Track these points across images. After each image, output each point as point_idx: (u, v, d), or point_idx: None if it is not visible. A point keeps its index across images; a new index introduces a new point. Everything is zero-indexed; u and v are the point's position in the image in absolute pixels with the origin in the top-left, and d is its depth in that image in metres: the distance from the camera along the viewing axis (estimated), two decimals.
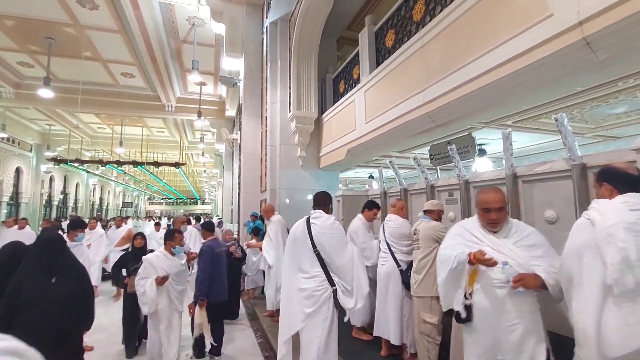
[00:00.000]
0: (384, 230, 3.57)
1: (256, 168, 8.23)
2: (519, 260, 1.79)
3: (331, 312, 2.63)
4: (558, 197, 2.72)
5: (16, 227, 6.99)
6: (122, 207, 34.29)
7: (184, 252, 3.75)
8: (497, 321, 1.80)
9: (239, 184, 9.03)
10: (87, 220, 6.77)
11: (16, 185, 16.23)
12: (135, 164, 17.46)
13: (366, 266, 3.05)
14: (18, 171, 16.26)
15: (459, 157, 3.62)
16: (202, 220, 7.81)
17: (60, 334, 2.22)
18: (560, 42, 2.37)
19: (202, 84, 12.09)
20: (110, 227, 9.52)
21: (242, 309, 5.51)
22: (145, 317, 3.39)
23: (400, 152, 6.89)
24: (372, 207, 3.98)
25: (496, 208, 1.90)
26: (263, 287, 5.61)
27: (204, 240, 3.97)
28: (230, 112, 13.57)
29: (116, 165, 18.44)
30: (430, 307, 2.93)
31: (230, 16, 8.10)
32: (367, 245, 3.80)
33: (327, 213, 2.85)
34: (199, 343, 3.62)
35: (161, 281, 3.13)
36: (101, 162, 17.17)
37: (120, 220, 8.20)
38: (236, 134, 11.55)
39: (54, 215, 19.19)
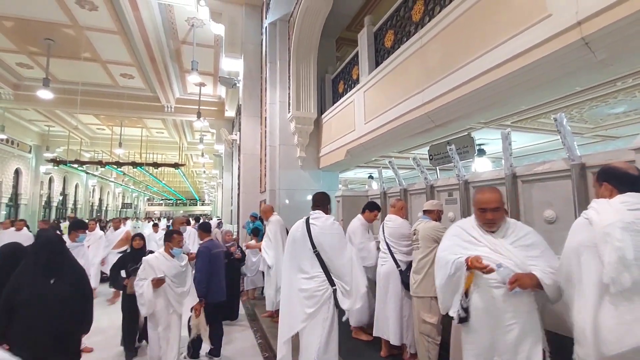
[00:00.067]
0: (383, 231, 3.57)
1: (256, 169, 8.23)
2: (516, 260, 1.79)
3: (331, 312, 2.64)
4: (557, 197, 2.72)
5: (13, 228, 6.94)
6: (121, 208, 34.26)
7: (185, 253, 3.73)
8: (494, 321, 1.80)
9: (239, 184, 9.03)
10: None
11: (15, 186, 16.21)
12: (134, 165, 17.44)
13: (364, 267, 3.05)
14: (17, 172, 16.24)
15: (458, 157, 3.63)
16: (201, 221, 7.79)
17: (58, 335, 2.21)
18: (559, 42, 2.37)
19: (201, 84, 12.09)
20: (108, 228, 9.42)
21: (241, 310, 5.50)
22: (146, 318, 3.37)
23: (400, 152, 6.89)
24: (372, 209, 3.98)
25: (492, 208, 1.89)
26: (263, 287, 5.61)
27: (200, 241, 3.97)
28: (230, 112, 13.57)
29: (115, 167, 18.41)
30: (430, 307, 2.93)
31: (229, 17, 8.10)
32: (364, 246, 3.80)
33: (326, 213, 2.87)
34: (195, 344, 3.61)
35: (157, 283, 3.09)
36: (100, 163, 17.14)
37: (118, 222, 8.02)
38: (235, 134, 11.54)
39: (53, 216, 19.17)
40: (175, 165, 17.60)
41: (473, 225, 1.99)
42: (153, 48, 9.65)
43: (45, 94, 9.18)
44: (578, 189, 2.48)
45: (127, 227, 9.23)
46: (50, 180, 19.36)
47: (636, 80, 3.81)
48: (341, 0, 6.53)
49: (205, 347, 3.73)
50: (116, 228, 7.65)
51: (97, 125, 17.30)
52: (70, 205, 21.92)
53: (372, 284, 3.91)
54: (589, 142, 7.13)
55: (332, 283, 2.66)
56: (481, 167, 6.61)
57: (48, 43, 9.36)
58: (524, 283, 1.69)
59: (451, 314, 1.94)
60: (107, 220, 18.63)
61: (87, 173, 22.53)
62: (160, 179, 26.15)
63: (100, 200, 28.36)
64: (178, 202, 47.71)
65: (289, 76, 7.08)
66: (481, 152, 6.91)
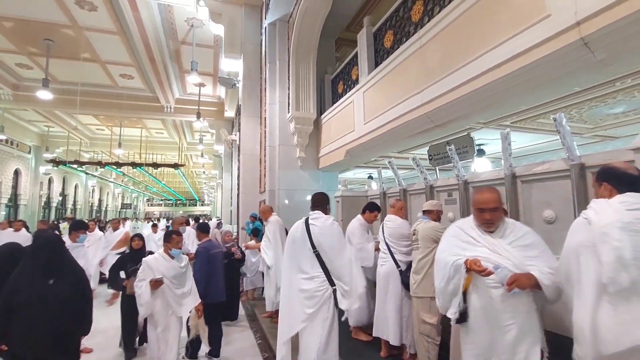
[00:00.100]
0: (383, 231, 3.57)
1: (255, 169, 8.23)
2: (514, 261, 1.79)
3: (332, 312, 2.64)
4: (557, 197, 2.72)
5: (11, 229, 6.87)
6: (121, 208, 34.25)
7: (184, 254, 3.71)
8: (493, 321, 1.80)
9: (238, 185, 9.03)
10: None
11: (15, 187, 16.20)
12: (134, 165, 17.44)
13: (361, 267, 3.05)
14: (17, 173, 16.24)
15: (457, 157, 3.63)
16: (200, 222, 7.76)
17: (57, 335, 2.20)
18: (558, 42, 2.37)
19: (201, 85, 12.09)
20: (107, 229, 9.36)
21: (241, 310, 5.50)
22: (146, 319, 3.35)
23: (399, 152, 6.90)
24: (373, 210, 3.97)
25: (490, 208, 1.89)
26: (263, 288, 5.61)
27: (199, 242, 3.96)
28: (229, 113, 13.57)
29: (115, 167, 18.40)
30: (430, 308, 2.93)
31: (228, 17, 8.10)
32: (362, 246, 3.80)
33: (325, 214, 2.87)
34: (193, 344, 3.60)
35: (155, 284, 3.05)
36: (100, 164, 17.15)
37: (117, 223, 7.91)
38: (235, 135, 11.55)
39: (52, 217, 19.15)
40: (175, 166, 17.60)
41: (472, 226, 1.99)
42: (152, 48, 9.65)
43: (44, 95, 9.18)
44: (577, 189, 2.48)
45: (126, 228, 9.21)
46: (50, 181, 19.36)
47: (635, 81, 3.82)
48: (340, 1, 6.53)
49: (204, 347, 3.72)
50: (115, 229, 7.54)
51: (97, 126, 17.30)
52: (69, 205, 21.91)
53: (371, 285, 3.92)
54: (588, 142, 7.14)
55: (332, 283, 2.66)
56: (481, 167, 6.61)
57: (47, 43, 9.36)
58: (522, 283, 1.69)
59: (449, 315, 1.94)
60: (107, 220, 18.60)
61: (86, 173, 22.51)
62: (159, 179, 26.13)
63: (100, 200, 28.35)
64: (178, 202, 47.69)
65: (289, 76, 7.08)
66: (480, 152, 6.92)
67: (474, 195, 2.02)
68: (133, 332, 3.99)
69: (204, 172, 27.43)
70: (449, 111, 3.59)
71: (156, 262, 3.17)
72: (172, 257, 3.23)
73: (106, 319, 5.08)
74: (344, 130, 5.99)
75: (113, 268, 4.17)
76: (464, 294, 1.88)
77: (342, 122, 6.09)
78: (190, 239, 6.95)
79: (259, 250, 4.84)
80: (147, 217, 29.05)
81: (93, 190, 26.20)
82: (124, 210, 34.51)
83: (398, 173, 4.66)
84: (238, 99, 10.17)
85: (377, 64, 5.18)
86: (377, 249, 3.73)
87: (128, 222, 14.56)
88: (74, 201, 22.69)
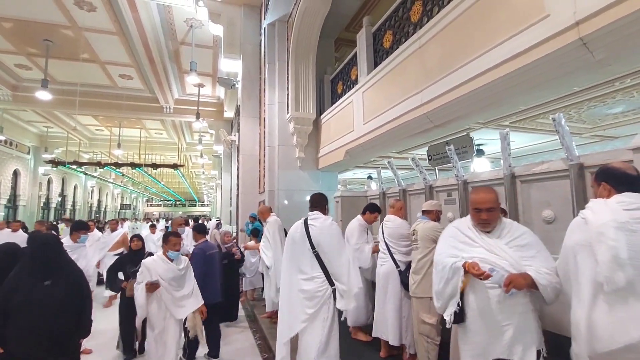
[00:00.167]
0: (382, 231, 3.57)
1: (255, 169, 8.22)
2: (511, 261, 1.79)
3: (331, 311, 2.65)
4: (556, 197, 2.73)
5: (9, 230, 6.80)
6: (120, 209, 34.22)
7: (184, 255, 3.69)
8: (490, 322, 1.81)
9: (238, 185, 9.02)
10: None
11: (14, 187, 16.18)
12: (133, 165, 17.41)
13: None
14: (16, 173, 16.22)
15: (457, 157, 3.63)
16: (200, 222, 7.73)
17: (55, 337, 2.19)
18: (557, 43, 2.38)
19: (200, 85, 12.09)
20: (106, 229, 9.28)
21: (241, 311, 5.50)
22: (145, 321, 3.32)
23: (399, 152, 6.90)
24: (373, 211, 3.96)
25: (487, 208, 1.88)
26: (262, 288, 5.60)
27: (195, 243, 3.95)
28: (229, 113, 13.57)
29: (114, 167, 18.38)
30: (429, 308, 2.92)
31: (228, 17, 8.10)
32: (360, 247, 3.80)
33: (324, 214, 2.88)
34: (191, 345, 3.58)
35: (151, 287, 2.99)
36: (99, 164, 17.11)
37: (115, 223, 7.79)
38: (234, 135, 11.54)
39: (52, 217, 19.13)
40: (174, 166, 17.58)
41: (469, 226, 1.99)
42: (152, 49, 9.65)
43: (43, 95, 9.17)
44: (576, 188, 2.49)
45: (125, 229, 9.14)
46: (49, 182, 19.34)
47: (634, 80, 3.82)
48: (340, 1, 6.54)
49: (202, 349, 3.71)
50: (113, 230, 7.39)
51: (96, 126, 17.30)
52: (69, 206, 21.89)
53: (370, 285, 3.92)
54: (587, 142, 7.15)
55: (331, 283, 2.67)
56: (480, 168, 6.62)
57: (47, 44, 9.36)
58: (519, 284, 1.68)
59: (445, 316, 1.94)
60: (105, 221, 18.57)
61: (85, 174, 22.49)
62: (159, 179, 26.11)
63: (99, 201, 28.32)
64: (177, 202, 47.64)
65: (288, 77, 7.08)
66: (480, 153, 6.93)
67: (471, 195, 2.02)
68: (131, 333, 3.96)
69: (203, 173, 27.43)
70: (448, 111, 3.59)
71: (154, 265, 3.11)
72: (171, 260, 3.16)
73: (106, 320, 5.07)
74: (343, 130, 5.99)
75: (111, 269, 4.11)
76: (461, 294, 1.88)
77: (342, 123, 6.09)
78: (190, 240, 6.93)
79: (258, 250, 4.84)
80: (147, 218, 29.00)
81: (92, 191, 26.17)
82: (123, 210, 34.48)
83: (397, 173, 4.66)
84: (237, 99, 10.17)
85: (376, 64, 5.18)
86: (376, 251, 3.73)
87: (127, 223, 14.52)
88: (73, 202, 22.67)
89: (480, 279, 1.75)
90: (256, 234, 5.78)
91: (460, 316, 1.88)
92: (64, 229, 9.68)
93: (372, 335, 3.55)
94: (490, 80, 2.94)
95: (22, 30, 8.84)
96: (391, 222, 3.56)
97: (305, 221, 2.82)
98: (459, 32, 3.34)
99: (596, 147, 7.27)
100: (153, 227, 8.67)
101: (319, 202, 2.92)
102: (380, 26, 5.21)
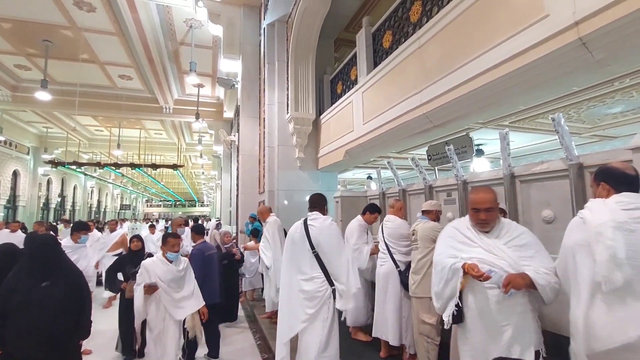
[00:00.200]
0: (382, 231, 3.57)
1: (254, 169, 8.22)
2: (509, 261, 1.79)
3: (331, 311, 2.65)
4: (555, 197, 2.73)
5: (7, 230, 6.79)
6: (120, 209, 34.20)
7: (183, 255, 3.68)
8: (489, 322, 1.81)
9: (237, 185, 9.01)
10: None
11: (13, 188, 16.16)
12: (133, 166, 17.41)
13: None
14: (15, 174, 16.20)
15: (456, 157, 3.63)
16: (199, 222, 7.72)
17: (53, 338, 2.18)
18: (557, 43, 2.38)
19: (199, 85, 12.08)
20: (105, 230, 9.25)
21: (240, 311, 5.49)
22: (144, 322, 3.30)
23: (399, 152, 6.90)
24: (373, 211, 3.96)
25: (485, 208, 1.88)
26: (262, 289, 5.59)
27: (194, 244, 3.94)
28: (228, 113, 13.57)
29: (114, 168, 18.38)
30: (429, 308, 2.92)
31: (227, 18, 8.10)
32: (358, 247, 3.80)
33: (323, 214, 2.88)
34: (190, 346, 3.57)
35: (149, 290, 2.96)
36: (99, 165, 17.11)
37: (114, 224, 7.75)
38: (234, 135, 11.53)
39: (51, 218, 19.11)
40: (174, 167, 17.59)
41: (467, 226, 1.99)
42: (151, 49, 9.65)
43: (43, 96, 9.17)
44: (576, 188, 2.49)
45: (124, 229, 9.12)
46: (49, 182, 19.32)
47: (633, 80, 3.82)
48: (339, 1, 6.54)
49: (201, 350, 3.70)
50: (112, 230, 7.34)
51: (96, 127, 17.29)
52: (68, 207, 21.87)
53: (370, 285, 3.92)
54: (586, 142, 7.15)
55: (331, 283, 2.67)
56: (479, 167, 6.62)
57: (46, 44, 9.35)
58: (517, 284, 1.68)
59: (444, 317, 1.94)
60: (105, 222, 18.55)
61: (85, 174, 22.47)
62: (158, 180, 26.11)
63: (99, 201, 28.30)
64: (177, 203, 47.62)
65: (288, 77, 7.08)
66: (479, 153, 6.93)
67: (470, 195, 2.03)
68: (131, 334, 3.94)
69: (203, 173, 27.42)
70: (447, 111, 3.60)
71: (153, 266, 3.08)
72: (170, 261, 3.14)
73: (105, 321, 5.07)
74: (343, 130, 5.99)
75: (110, 270, 4.07)
76: (460, 294, 1.88)
77: (341, 123, 6.09)
78: (189, 240, 6.92)
79: (258, 251, 4.84)
80: (146, 218, 28.97)
81: (92, 192, 26.15)
82: (123, 211, 34.46)
83: (397, 173, 4.66)
84: (237, 99, 10.17)
85: (376, 65, 5.18)
86: (375, 252, 3.73)
87: (126, 223, 14.51)
88: (73, 202, 22.65)
89: (480, 281, 1.75)
90: (256, 234, 5.78)
91: (459, 316, 1.88)
92: (62, 230, 9.67)
93: (372, 336, 3.55)
94: (489, 80, 2.95)
95: (21, 30, 8.83)
96: (391, 222, 3.56)
97: (305, 221, 2.83)
98: (458, 32, 3.34)
99: (595, 147, 7.27)
100: (152, 228, 8.65)
101: (318, 203, 2.92)
102: (380, 26, 5.21)
